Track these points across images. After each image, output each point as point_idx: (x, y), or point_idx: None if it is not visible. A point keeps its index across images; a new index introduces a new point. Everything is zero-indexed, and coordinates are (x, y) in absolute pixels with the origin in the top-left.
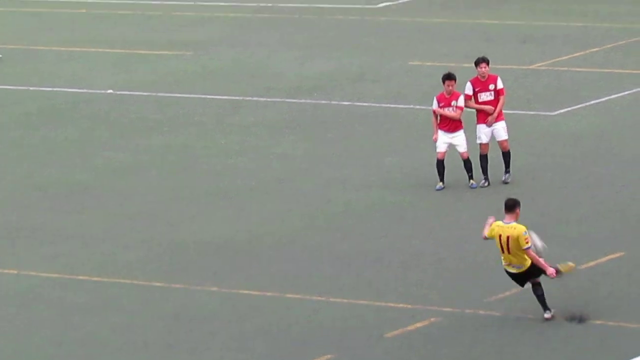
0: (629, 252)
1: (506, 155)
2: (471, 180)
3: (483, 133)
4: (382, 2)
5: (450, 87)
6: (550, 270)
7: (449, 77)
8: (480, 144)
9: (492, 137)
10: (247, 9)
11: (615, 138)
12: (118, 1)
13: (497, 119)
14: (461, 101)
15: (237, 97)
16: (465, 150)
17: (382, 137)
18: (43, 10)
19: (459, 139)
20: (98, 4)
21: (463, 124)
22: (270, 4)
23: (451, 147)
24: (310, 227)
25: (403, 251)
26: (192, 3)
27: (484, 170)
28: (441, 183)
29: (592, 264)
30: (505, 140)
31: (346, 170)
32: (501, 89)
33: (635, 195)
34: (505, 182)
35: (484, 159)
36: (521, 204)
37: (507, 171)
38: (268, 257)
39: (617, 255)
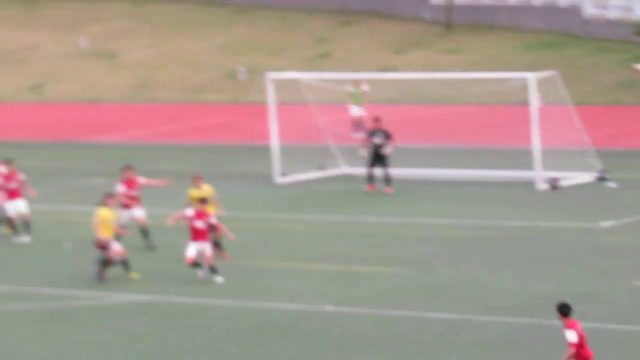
0: None
1: None
2: None
3: None
4: (604, 222)
5: None
6: None
7: None
8: None
9: None
10: (468, 227)
11: None
12: (337, 218)
13: None
14: None
15: (457, 316)
16: None
17: None
18: (260, 226)
19: None
20: (316, 220)
21: None
22: (490, 222)
23: None
24: None
25: None
26: (413, 221)
27: None
28: None
29: None
30: None
31: None
32: None
33: None
34: None
35: None
36: None
37: None
38: None
39: None
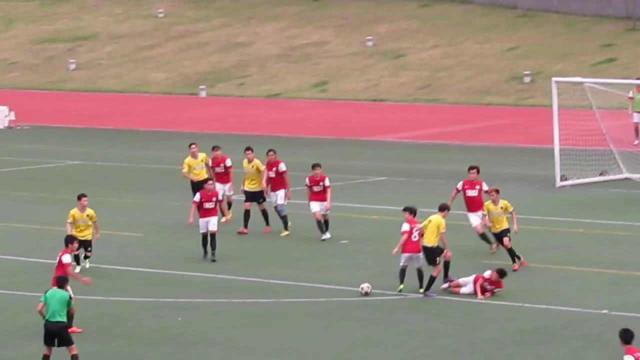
0: None
1: None
2: None
3: None
4: None
5: None
6: None
7: None
8: None
9: None
10: None
11: None
12: (616, 222)
13: None
14: None
15: None
16: None
17: None
18: (539, 229)
19: None
20: (596, 224)
21: None
22: None
23: None
24: None
25: None
26: None
27: None
28: None
29: None
30: None
31: None
32: None
33: None
34: None
35: None
36: None
37: None
38: None
39: None
